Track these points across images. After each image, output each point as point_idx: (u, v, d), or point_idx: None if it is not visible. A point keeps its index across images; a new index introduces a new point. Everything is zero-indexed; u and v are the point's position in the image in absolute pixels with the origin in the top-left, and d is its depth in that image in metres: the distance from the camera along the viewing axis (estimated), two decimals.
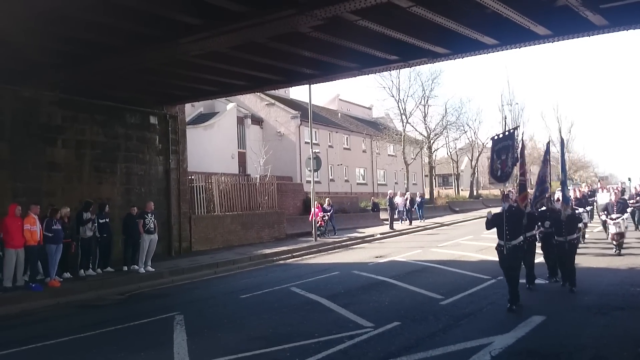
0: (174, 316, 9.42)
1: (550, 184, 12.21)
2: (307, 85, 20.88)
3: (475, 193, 53.67)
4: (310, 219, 22.93)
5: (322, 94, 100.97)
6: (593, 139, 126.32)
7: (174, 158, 18.45)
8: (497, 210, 9.91)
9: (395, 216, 28.71)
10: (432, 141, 45.95)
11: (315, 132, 36.62)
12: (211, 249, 19.29)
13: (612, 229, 14.94)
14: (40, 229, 12.27)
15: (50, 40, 11.31)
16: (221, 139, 32.77)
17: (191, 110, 31.41)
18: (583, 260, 13.72)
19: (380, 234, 24.91)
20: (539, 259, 11.59)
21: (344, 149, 43.64)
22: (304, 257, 18.50)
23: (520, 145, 10.48)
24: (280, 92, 39.10)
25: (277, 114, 38.71)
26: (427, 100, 44.56)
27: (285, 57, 13.10)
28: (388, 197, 28.77)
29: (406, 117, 43.19)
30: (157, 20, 10.37)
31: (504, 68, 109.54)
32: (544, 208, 11.55)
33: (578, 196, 18.89)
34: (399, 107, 43.00)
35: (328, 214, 23.52)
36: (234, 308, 10.39)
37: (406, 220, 29.37)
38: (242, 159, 35.12)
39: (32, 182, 14.15)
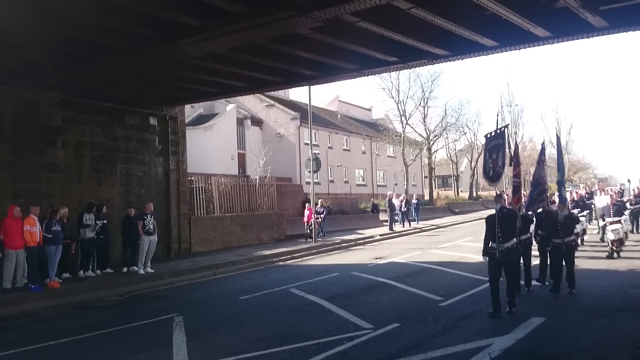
0: (174, 317, 9.42)
1: (548, 185, 11.84)
2: (307, 87, 20.91)
3: (474, 194, 53.69)
4: (303, 221, 22.80)
5: (321, 95, 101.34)
6: (593, 141, 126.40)
7: (174, 159, 18.46)
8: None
9: (396, 218, 28.67)
10: (431, 142, 45.96)
11: (315, 133, 36.66)
12: (211, 250, 19.29)
13: (611, 236, 14.44)
14: (40, 230, 12.28)
15: (50, 41, 11.32)
16: (221, 140, 32.76)
17: (191, 111, 31.40)
18: (582, 262, 13.70)
19: (380, 235, 24.91)
20: (536, 261, 11.42)
21: (344, 150, 43.65)
22: (304, 258, 18.50)
23: (512, 145, 10.23)
24: (280, 94, 39.09)
25: (277, 115, 38.72)
26: (427, 102, 44.60)
27: (284, 59, 13.11)
28: (388, 198, 28.73)
29: (406, 119, 43.21)
30: (157, 22, 10.37)
31: (504, 69, 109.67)
32: (540, 210, 11.31)
33: (575, 198, 18.71)
34: (398, 108, 43.02)
35: (321, 216, 23.03)
36: (233, 309, 10.38)
37: (400, 222, 28.99)
38: (241, 160, 35.11)
39: (32, 183, 14.15)
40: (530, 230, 11.18)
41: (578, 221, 11.94)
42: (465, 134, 52.53)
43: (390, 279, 12.60)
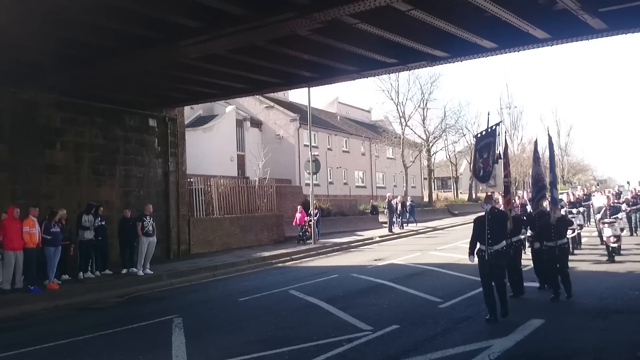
0: (173, 319, 9.41)
1: (546, 181, 11.52)
2: (306, 88, 20.91)
3: (474, 196, 53.67)
4: (294, 223, 22.66)
5: (321, 96, 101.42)
6: (592, 142, 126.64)
7: (173, 160, 18.46)
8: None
9: (399, 219, 28.62)
10: (431, 144, 46.01)
11: (314, 134, 36.65)
12: (210, 252, 19.28)
13: (607, 232, 14.19)
14: (39, 232, 12.26)
15: (50, 43, 11.31)
16: (220, 141, 32.75)
17: (190, 112, 31.41)
18: (581, 264, 13.71)
19: (379, 236, 24.92)
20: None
21: (343, 151, 43.66)
22: (303, 259, 18.49)
23: (503, 144, 9.79)
24: (280, 95, 39.14)
25: (276, 117, 38.73)
26: (426, 104, 44.71)
27: (284, 60, 13.12)
28: (387, 200, 28.71)
29: (405, 120, 43.27)
30: (156, 23, 10.38)
31: (503, 71, 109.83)
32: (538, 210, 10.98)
33: (572, 200, 18.65)
34: (398, 110, 43.09)
35: (315, 218, 22.61)
36: (232, 311, 10.38)
37: (399, 225, 28.83)
38: (241, 161, 35.12)
39: (31, 184, 14.14)
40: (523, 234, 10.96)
41: (571, 224, 11.44)
42: (464, 135, 52.55)
43: (390, 281, 12.59)
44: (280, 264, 17.53)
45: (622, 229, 15.13)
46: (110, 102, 16.23)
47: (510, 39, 11.36)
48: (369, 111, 55.36)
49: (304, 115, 32.68)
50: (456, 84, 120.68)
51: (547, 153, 12.29)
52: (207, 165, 28.85)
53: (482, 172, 9.24)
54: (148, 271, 14.54)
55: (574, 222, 13.64)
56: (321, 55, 12.63)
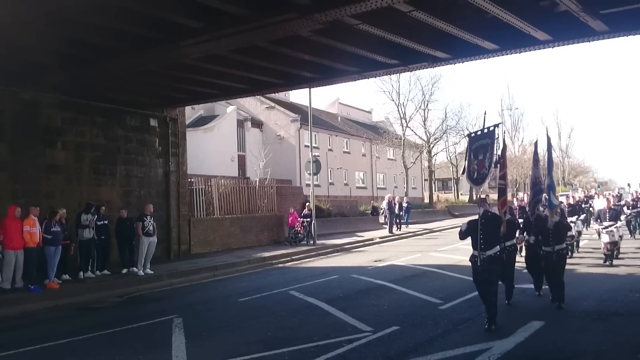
0: (173, 319, 9.41)
1: (544, 184, 11.22)
2: (307, 89, 20.93)
3: (474, 197, 53.49)
4: (289, 223, 22.48)
5: (322, 97, 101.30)
6: (593, 144, 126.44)
7: (174, 160, 18.46)
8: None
9: (403, 220, 28.56)
10: (431, 145, 45.98)
11: (315, 135, 36.64)
12: (210, 252, 19.28)
13: (605, 238, 14.04)
14: (39, 231, 12.27)
15: (51, 42, 11.33)
16: (221, 141, 32.77)
17: (191, 113, 31.42)
18: (580, 266, 13.71)
19: (380, 237, 24.90)
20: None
21: (344, 152, 43.67)
22: (303, 260, 18.49)
23: (501, 145, 9.27)
24: (280, 96, 39.14)
25: (277, 117, 38.75)
26: (427, 105, 44.61)
27: (285, 61, 13.12)
28: (387, 200, 28.67)
29: (406, 121, 43.27)
30: (158, 23, 10.39)
31: (504, 73, 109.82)
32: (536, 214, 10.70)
33: (571, 202, 18.46)
34: (398, 111, 43.07)
35: (307, 219, 22.40)
36: (232, 311, 10.38)
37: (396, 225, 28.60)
38: (241, 161, 35.13)
39: (32, 183, 14.14)
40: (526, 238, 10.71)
41: (570, 228, 10.99)
42: (465, 137, 52.43)
43: (390, 282, 12.59)
44: (280, 265, 17.53)
45: (620, 237, 14.87)
46: (111, 101, 16.23)
47: (511, 41, 11.35)
48: (369, 112, 55.35)
49: (304, 116, 32.72)
50: (457, 85, 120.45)
51: (546, 155, 12.06)
52: (207, 165, 28.86)
53: (476, 174, 8.80)
54: (148, 271, 14.54)
55: (573, 228, 13.39)
56: (322, 55, 12.63)
